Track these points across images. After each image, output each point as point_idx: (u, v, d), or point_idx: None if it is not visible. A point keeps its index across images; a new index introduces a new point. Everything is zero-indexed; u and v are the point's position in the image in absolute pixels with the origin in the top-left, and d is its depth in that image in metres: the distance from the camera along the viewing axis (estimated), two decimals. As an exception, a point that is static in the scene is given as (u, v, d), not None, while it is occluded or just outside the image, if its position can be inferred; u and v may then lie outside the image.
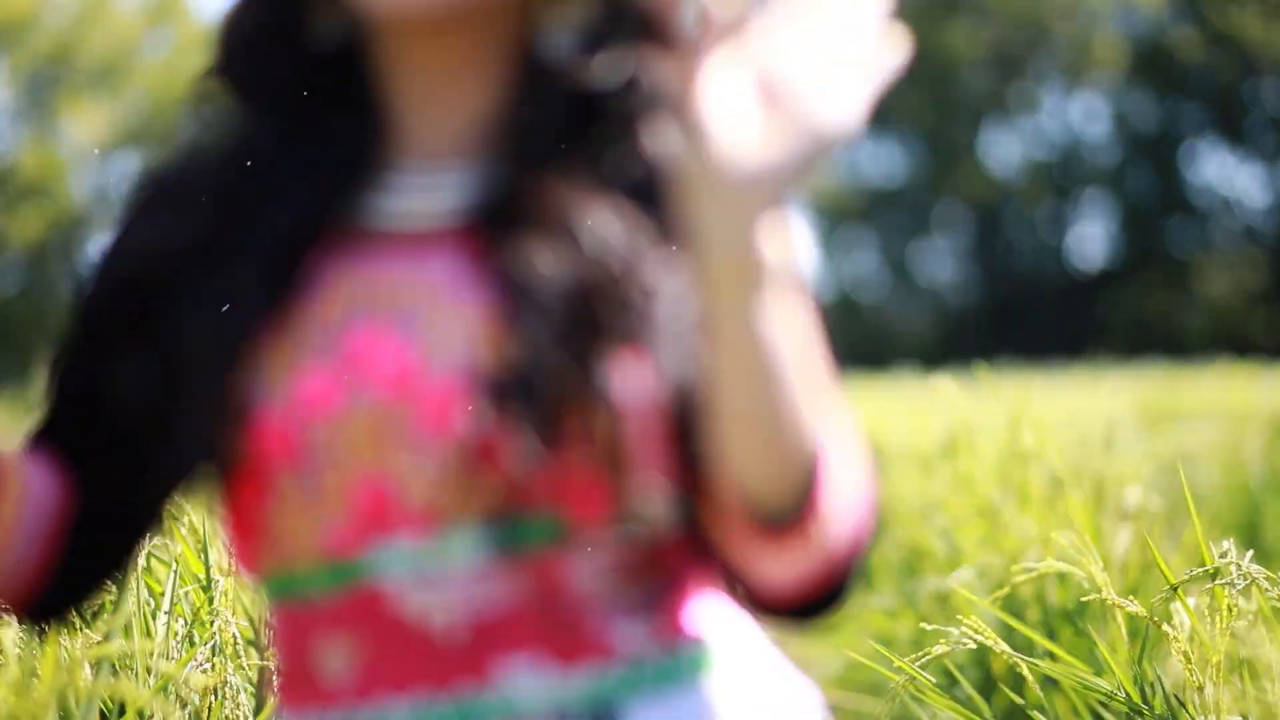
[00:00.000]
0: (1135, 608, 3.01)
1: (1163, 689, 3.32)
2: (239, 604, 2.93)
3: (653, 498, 1.26)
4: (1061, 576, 3.52)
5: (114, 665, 2.63)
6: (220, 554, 3.01)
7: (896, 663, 3.90)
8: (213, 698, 2.68)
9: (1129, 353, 47.04)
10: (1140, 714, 3.12)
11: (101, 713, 2.62)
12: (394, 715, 1.30)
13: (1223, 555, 3.23)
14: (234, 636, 2.79)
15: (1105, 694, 3.19)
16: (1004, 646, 3.17)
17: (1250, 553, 3.16)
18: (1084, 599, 3.43)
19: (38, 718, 2.46)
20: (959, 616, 3.60)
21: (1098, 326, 51.44)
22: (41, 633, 1.49)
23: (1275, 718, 2.79)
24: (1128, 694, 3.10)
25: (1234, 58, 47.70)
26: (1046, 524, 3.77)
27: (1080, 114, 54.59)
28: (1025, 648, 3.49)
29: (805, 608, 1.33)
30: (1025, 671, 3.19)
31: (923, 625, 3.96)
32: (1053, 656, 3.49)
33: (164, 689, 2.63)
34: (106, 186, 46.90)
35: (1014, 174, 54.79)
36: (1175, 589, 3.13)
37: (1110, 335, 51.10)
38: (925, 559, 4.23)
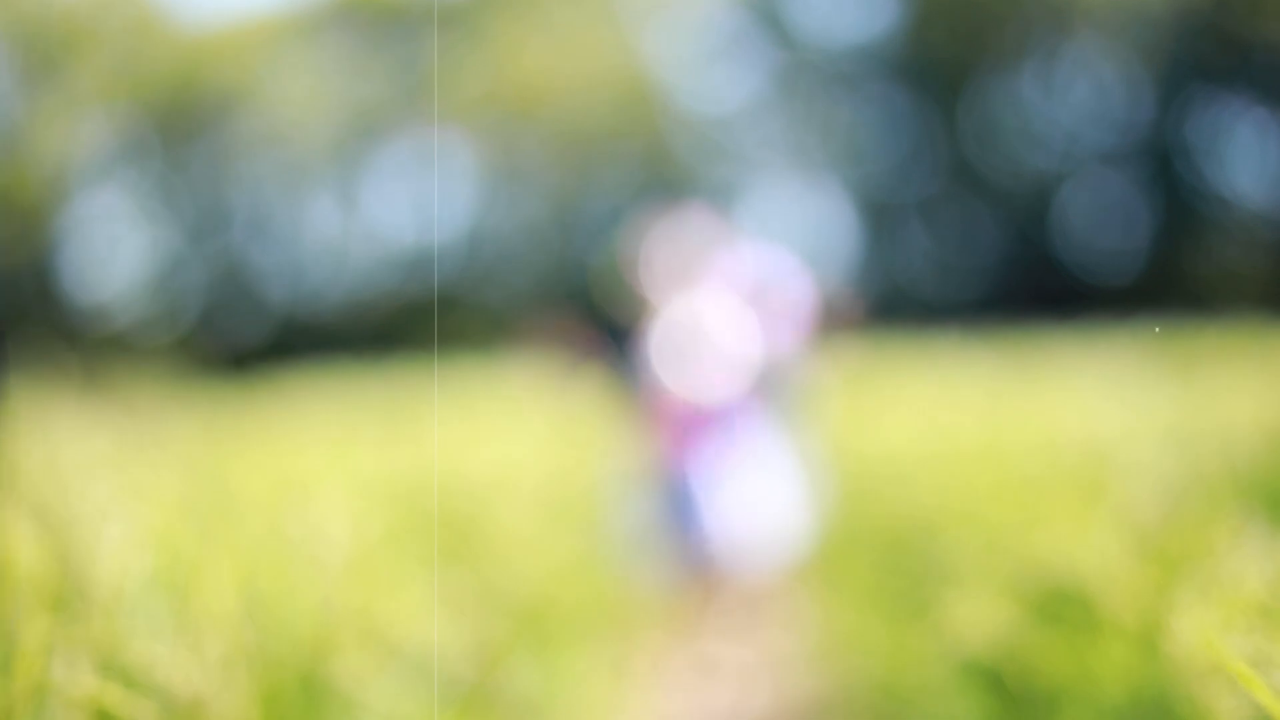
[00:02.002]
0: (1134, 613, 2.97)
1: (1166, 687, 3.28)
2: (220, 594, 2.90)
3: None
4: (1066, 575, 3.49)
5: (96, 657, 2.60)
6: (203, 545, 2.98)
7: (909, 662, 3.87)
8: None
9: (1153, 306, 47.03)
10: (1143, 711, 3.09)
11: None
12: None
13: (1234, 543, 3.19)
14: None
15: (1109, 696, 3.16)
16: (1007, 644, 3.14)
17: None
18: (1087, 598, 3.40)
19: (13, 711, 2.42)
20: (964, 615, 3.57)
21: (1125, 290, 51.41)
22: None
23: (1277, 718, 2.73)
24: (1130, 692, 3.07)
25: (1261, 43, 47.72)
26: (1061, 514, 3.73)
27: (1103, 92, 54.54)
28: (1029, 645, 3.45)
29: None
30: (1028, 669, 3.16)
31: (927, 624, 3.93)
32: (1055, 654, 3.45)
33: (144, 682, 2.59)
34: (88, 193, 47.39)
35: (1044, 169, 54.81)
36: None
37: (1137, 294, 51.06)
38: (928, 557, 4.19)
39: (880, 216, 55.88)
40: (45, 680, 2.49)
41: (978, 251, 56.36)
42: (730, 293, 7.80)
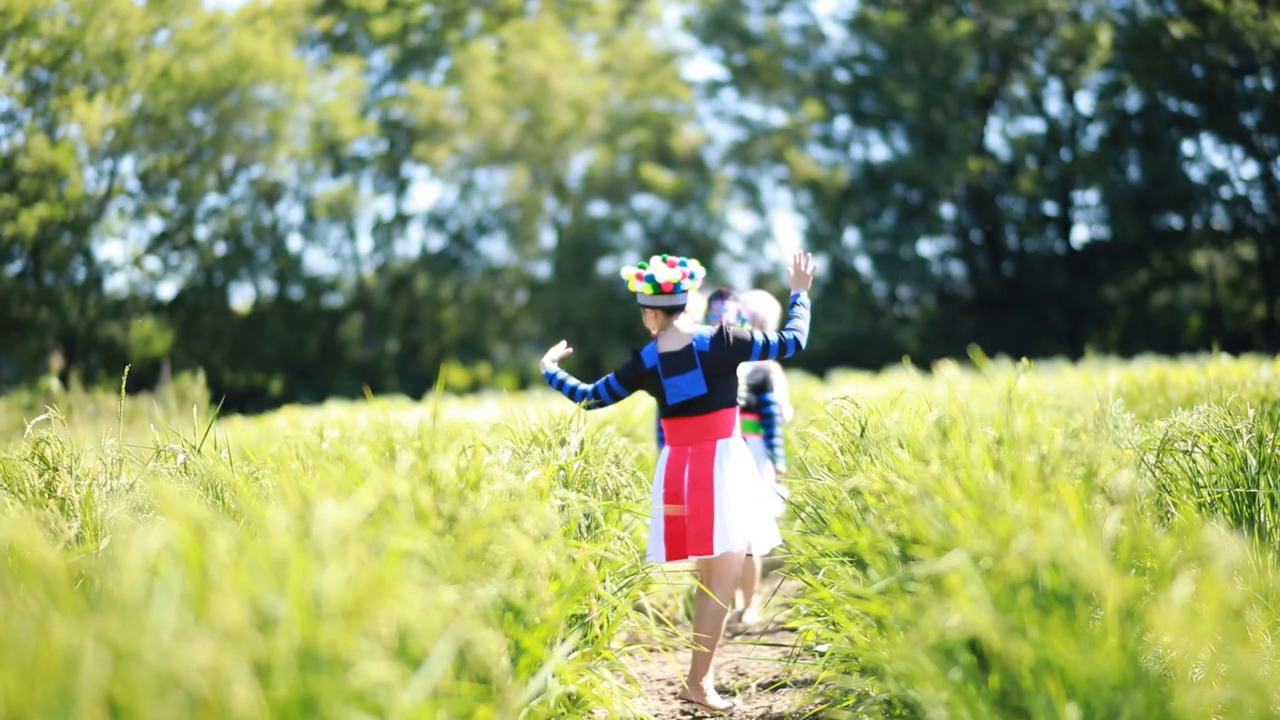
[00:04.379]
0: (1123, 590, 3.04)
1: (1152, 669, 3.35)
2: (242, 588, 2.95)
3: None
4: (1053, 559, 3.55)
5: (115, 653, 2.65)
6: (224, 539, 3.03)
7: (891, 646, 3.93)
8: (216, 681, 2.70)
9: (1124, 338, 47.47)
10: (1130, 692, 3.15)
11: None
12: None
13: (1214, 536, 3.26)
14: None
15: (1096, 674, 3.22)
16: (996, 628, 3.20)
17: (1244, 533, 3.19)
18: (1075, 581, 3.46)
19: (43, 708, 2.48)
20: (953, 600, 3.63)
21: (1092, 314, 51.73)
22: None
23: (1265, 695, 2.82)
24: (1118, 673, 3.14)
25: (1224, 42, 47.87)
26: (1038, 507, 3.79)
27: (1074, 101, 54.67)
28: (1018, 629, 3.51)
29: None
30: (1016, 653, 3.22)
31: (917, 609, 3.99)
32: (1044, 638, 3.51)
33: (163, 679, 2.65)
34: (112, 176, 47.18)
35: (1008, 161, 54.98)
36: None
37: (1105, 321, 51.41)
38: (919, 542, 4.25)
39: (845, 223, 56.40)
40: (68, 674, 2.55)
41: (942, 264, 56.84)
42: (726, 313, 8.32)
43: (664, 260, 7.87)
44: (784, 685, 8.06)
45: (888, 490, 4.70)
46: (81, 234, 45.48)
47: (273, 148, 51.20)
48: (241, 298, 54.99)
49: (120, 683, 2.61)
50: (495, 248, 57.73)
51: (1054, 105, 55.60)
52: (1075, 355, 41.02)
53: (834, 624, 5.69)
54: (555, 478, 6.19)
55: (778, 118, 57.56)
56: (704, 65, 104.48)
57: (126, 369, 7.09)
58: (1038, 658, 3.44)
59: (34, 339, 42.98)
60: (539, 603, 4.44)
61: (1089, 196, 54.40)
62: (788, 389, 11.81)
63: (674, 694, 8.17)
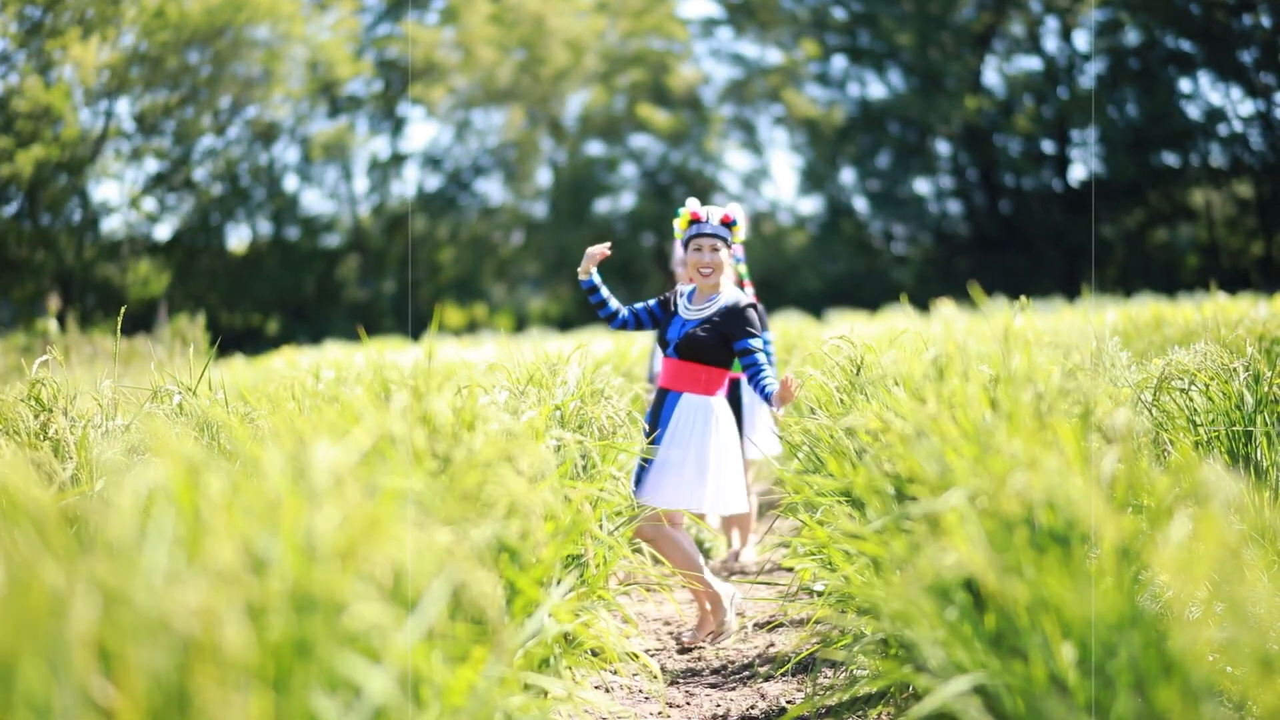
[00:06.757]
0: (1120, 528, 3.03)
1: (1149, 608, 3.34)
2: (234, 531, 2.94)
3: None
4: (1049, 498, 3.54)
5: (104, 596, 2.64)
6: (216, 481, 3.02)
7: (887, 585, 3.92)
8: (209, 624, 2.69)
9: (1121, 276, 47.43)
10: (1126, 631, 3.15)
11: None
12: None
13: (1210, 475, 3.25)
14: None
15: (1092, 613, 3.21)
16: (992, 567, 3.20)
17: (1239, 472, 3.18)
18: (1071, 520, 3.45)
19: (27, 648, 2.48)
20: (948, 539, 3.62)
21: (1089, 252, 51.64)
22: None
23: (1261, 634, 2.81)
24: (1115, 612, 3.13)
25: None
26: (1035, 446, 3.78)
27: (1071, 38, 54.50)
28: (1014, 569, 3.51)
29: None
30: (1012, 592, 3.22)
31: (913, 548, 3.98)
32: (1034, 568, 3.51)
33: (155, 622, 2.63)
34: (108, 117, 47.00)
35: (1005, 99, 54.83)
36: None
37: (1102, 259, 51.36)
38: (915, 482, 4.24)
39: (841, 162, 56.17)
40: (56, 619, 2.54)
41: (938, 202, 56.72)
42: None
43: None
44: (781, 624, 8.08)
45: (884, 429, 4.68)
46: (77, 175, 45.38)
47: (268, 88, 51.03)
48: (238, 238, 54.97)
49: (111, 626, 2.60)
50: (491, 188, 57.73)
51: (1051, 43, 55.48)
52: (1072, 294, 40.99)
53: (830, 563, 5.69)
54: (551, 418, 6.18)
55: (774, 56, 57.42)
56: (700, 3, 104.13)
57: (123, 310, 7.06)
58: (1034, 597, 3.44)
59: (30, 280, 43.00)
60: (534, 543, 4.44)
61: (1086, 135, 54.27)
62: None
63: (670, 633, 8.20)
